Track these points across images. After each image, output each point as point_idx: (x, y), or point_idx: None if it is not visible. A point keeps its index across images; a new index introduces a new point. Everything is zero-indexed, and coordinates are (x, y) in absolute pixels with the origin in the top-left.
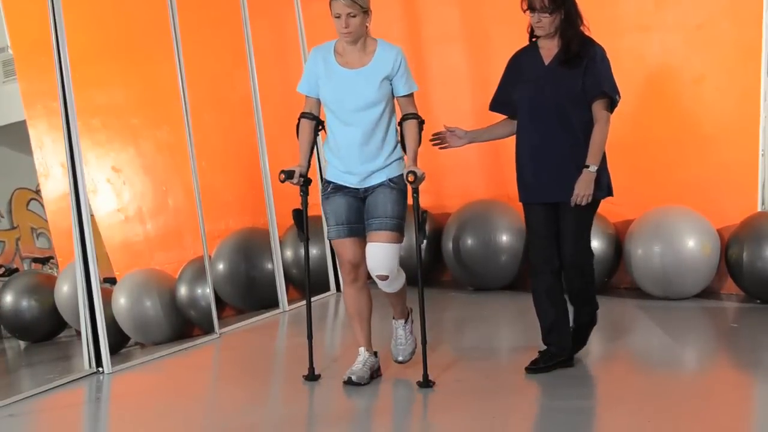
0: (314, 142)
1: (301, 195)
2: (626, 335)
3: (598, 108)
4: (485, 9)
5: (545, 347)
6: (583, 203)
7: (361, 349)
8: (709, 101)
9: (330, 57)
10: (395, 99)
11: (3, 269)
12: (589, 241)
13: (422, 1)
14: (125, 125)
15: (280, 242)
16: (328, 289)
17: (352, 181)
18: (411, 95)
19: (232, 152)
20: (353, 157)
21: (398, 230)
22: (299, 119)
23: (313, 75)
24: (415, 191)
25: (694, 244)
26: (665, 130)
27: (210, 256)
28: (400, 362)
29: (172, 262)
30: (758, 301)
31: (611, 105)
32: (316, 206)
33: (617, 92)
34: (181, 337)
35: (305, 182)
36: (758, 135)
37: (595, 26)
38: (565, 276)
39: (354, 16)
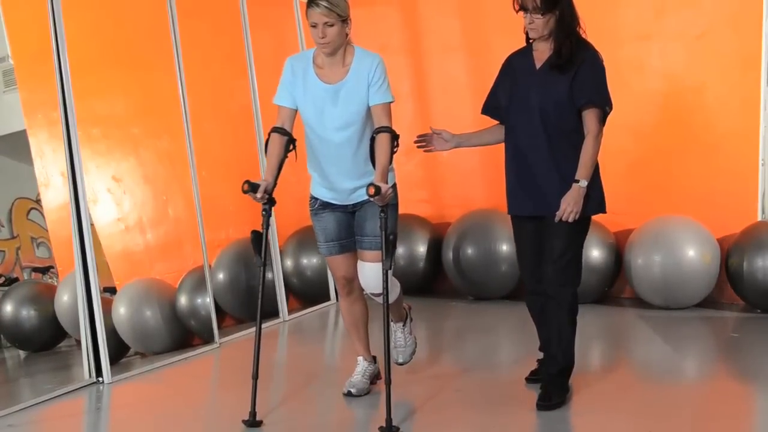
0: (284, 160)
1: (262, 215)
2: (626, 345)
3: (589, 119)
4: (486, 19)
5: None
6: (570, 220)
7: (360, 359)
8: (709, 110)
9: (309, 69)
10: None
11: (3, 279)
12: (576, 263)
13: (423, 12)
14: (125, 135)
15: (281, 251)
16: (328, 298)
17: (338, 199)
18: (385, 106)
19: (233, 161)
20: (336, 175)
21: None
22: (269, 134)
23: (290, 86)
24: (383, 211)
25: (694, 254)
26: (665, 140)
27: (210, 266)
28: (401, 364)
29: (172, 271)
30: (759, 310)
31: (602, 116)
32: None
33: (608, 103)
34: (181, 346)
35: (269, 201)
36: (758, 144)
37: (594, 35)
38: (545, 304)
39: (331, 26)
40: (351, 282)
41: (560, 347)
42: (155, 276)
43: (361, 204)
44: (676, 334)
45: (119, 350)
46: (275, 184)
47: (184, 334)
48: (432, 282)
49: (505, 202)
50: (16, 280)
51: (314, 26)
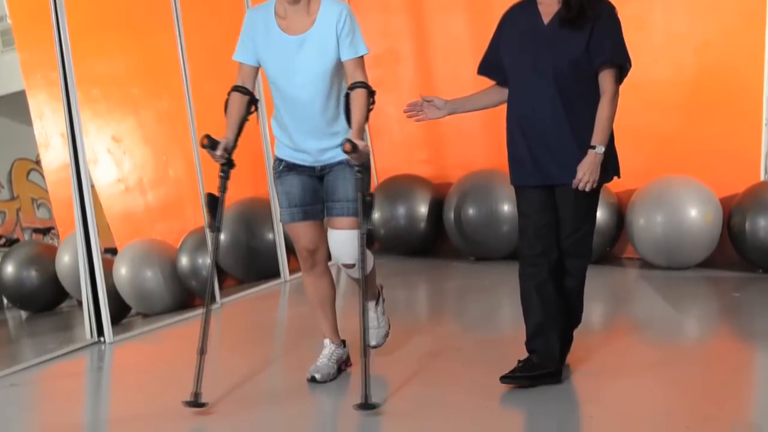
0: (244, 120)
1: (220, 177)
2: (628, 305)
3: (605, 79)
4: None
5: (527, 355)
6: (587, 189)
7: (326, 341)
8: (712, 69)
9: (271, 20)
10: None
11: (4, 240)
12: (590, 234)
13: None
14: (125, 95)
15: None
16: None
17: (305, 159)
18: (358, 60)
19: None
20: (303, 135)
21: None
22: (229, 93)
23: (250, 42)
24: (359, 170)
25: (696, 214)
26: (668, 99)
27: None
28: (373, 347)
29: (172, 232)
30: (760, 270)
31: (620, 74)
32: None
33: (628, 59)
34: (182, 307)
35: (228, 163)
36: (762, 104)
37: None
38: (555, 275)
39: None
40: (314, 254)
41: (568, 311)
42: (156, 237)
43: (331, 167)
44: (678, 294)
45: (120, 310)
46: (235, 144)
47: (184, 295)
48: (433, 243)
49: (506, 162)
50: (17, 241)
51: None
